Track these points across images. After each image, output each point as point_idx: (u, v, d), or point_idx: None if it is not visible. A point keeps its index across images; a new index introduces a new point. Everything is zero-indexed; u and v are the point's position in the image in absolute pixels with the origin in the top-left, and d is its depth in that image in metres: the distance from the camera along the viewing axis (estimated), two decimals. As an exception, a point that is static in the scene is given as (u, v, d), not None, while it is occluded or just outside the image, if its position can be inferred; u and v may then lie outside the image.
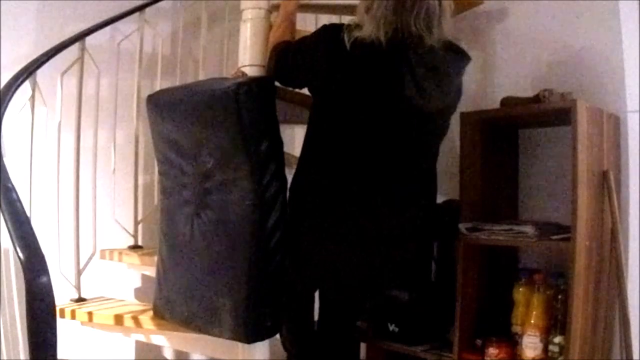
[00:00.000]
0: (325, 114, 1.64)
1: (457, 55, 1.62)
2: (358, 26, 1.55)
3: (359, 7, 1.59)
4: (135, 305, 2.37)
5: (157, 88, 2.50)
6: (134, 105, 2.51)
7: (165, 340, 2.21)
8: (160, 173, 2.01)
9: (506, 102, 1.92)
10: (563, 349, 1.68)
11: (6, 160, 1.61)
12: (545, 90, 1.81)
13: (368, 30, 1.52)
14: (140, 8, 2.49)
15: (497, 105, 1.95)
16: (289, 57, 1.72)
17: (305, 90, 1.81)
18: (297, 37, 1.88)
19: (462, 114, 1.95)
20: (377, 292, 1.76)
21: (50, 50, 2.15)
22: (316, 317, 1.83)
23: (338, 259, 1.66)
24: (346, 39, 1.53)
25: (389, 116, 1.56)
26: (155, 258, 2.05)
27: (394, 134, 1.58)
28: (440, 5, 1.54)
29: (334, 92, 1.60)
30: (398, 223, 1.67)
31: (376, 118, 1.56)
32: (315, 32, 1.69)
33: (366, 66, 1.54)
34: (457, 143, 1.96)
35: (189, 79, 2.77)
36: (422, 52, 1.53)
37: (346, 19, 2.52)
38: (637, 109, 1.89)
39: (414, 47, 1.53)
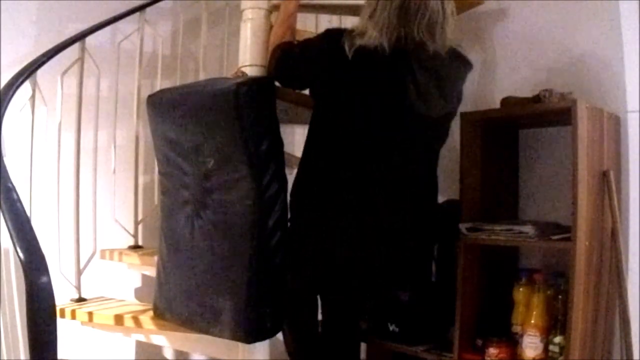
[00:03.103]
0: (326, 119, 1.65)
1: (460, 63, 1.64)
2: (360, 33, 1.55)
3: (362, 12, 1.60)
4: (135, 305, 2.37)
5: (157, 88, 2.50)
6: (134, 105, 2.51)
7: (165, 340, 2.21)
8: (160, 173, 2.01)
9: (506, 102, 1.92)
10: (563, 349, 1.68)
11: (6, 160, 1.61)
12: (545, 90, 1.81)
13: (372, 37, 1.53)
14: (140, 8, 2.49)
15: (497, 105, 1.95)
16: (290, 58, 1.72)
17: (306, 90, 1.81)
18: (298, 37, 1.88)
19: (462, 114, 1.95)
20: (378, 291, 1.76)
21: (50, 50, 2.15)
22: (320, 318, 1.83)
23: (338, 258, 1.66)
24: (347, 47, 1.53)
25: (390, 122, 1.57)
26: (155, 258, 2.05)
27: (395, 139, 1.59)
28: (443, 11, 1.54)
29: (336, 99, 1.62)
30: (398, 223, 1.68)
31: (377, 124, 1.58)
32: (318, 37, 1.70)
33: (368, 74, 1.55)
34: (457, 143, 1.96)
35: (189, 79, 2.77)
36: (425, 58, 1.54)
37: (346, 20, 2.53)
38: (637, 109, 1.89)
39: (416, 53, 1.53)
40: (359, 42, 1.53)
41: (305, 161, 1.71)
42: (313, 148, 1.69)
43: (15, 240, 1.40)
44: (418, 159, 1.65)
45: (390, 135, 1.58)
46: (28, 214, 1.74)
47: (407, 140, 1.60)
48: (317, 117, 1.69)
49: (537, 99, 1.82)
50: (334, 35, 1.60)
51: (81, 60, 2.30)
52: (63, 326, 1.81)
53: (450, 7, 1.57)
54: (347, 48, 1.53)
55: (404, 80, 1.53)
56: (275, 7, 1.89)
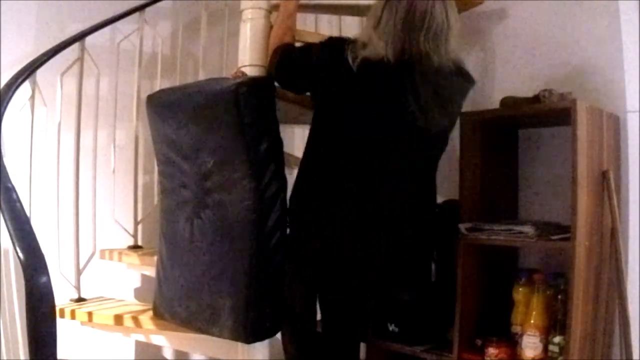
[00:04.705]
0: (327, 122, 1.67)
1: (462, 79, 1.64)
2: (364, 43, 1.55)
3: (366, 22, 1.61)
4: (135, 305, 2.37)
5: (157, 88, 2.50)
6: (134, 105, 2.51)
7: (165, 340, 2.21)
8: (160, 173, 2.01)
9: (506, 102, 1.92)
10: (563, 349, 1.68)
11: (6, 160, 1.61)
12: (545, 90, 1.81)
13: (377, 48, 1.53)
14: (140, 8, 2.49)
15: (497, 105, 1.95)
16: (291, 62, 1.73)
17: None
18: (298, 37, 1.88)
19: (462, 114, 1.94)
20: (378, 290, 1.76)
21: (50, 50, 2.16)
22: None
23: (338, 257, 1.66)
24: (350, 58, 1.54)
25: (391, 133, 1.59)
26: (155, 258, 2.05)
27: (395, 148, 1.60)
28: (448, 20, 1.54)
29: (338, 107, 1.63)
30: (397, 210, 1.68)
31: (378, 133, 1.59)
32: (320, 44, 1.70)
33: (372, 86, 1.56)
34: (457, 143, 1.96)
35: (189, 79, 2.77)
36: (429, 72, 1.54)
37: (346, 20, 2.54)
38: (637, 109, 1.89)
39: (420, 65, 1.53)
40: (363, 53, 1.54)
41: (307, 152, 1.72)
42: (315, 140, 1.71)
43: (15, 240, 1.40)
44: (417, 167, 1.68)
45: (391, 144, 1.60)
46: (28, 214, 1.74)
47: (408, 150, 1.62)
48: (318, 119, 1.70)
49: (536, 99, 1.82)
50: (337, 45, 1.60)
51: (81, 60, 2.30)
52: (63, 326, 1.82)
53: (454, 15, 1.57)
54: (350, 60, 1.54)
55: (406, 94, 1.54)
56: (275, 7, 1.89)
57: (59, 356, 1.36)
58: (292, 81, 1.77)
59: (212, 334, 1.80)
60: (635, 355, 1.74)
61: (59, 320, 1.56)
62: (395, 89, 1.55)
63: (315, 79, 1.67)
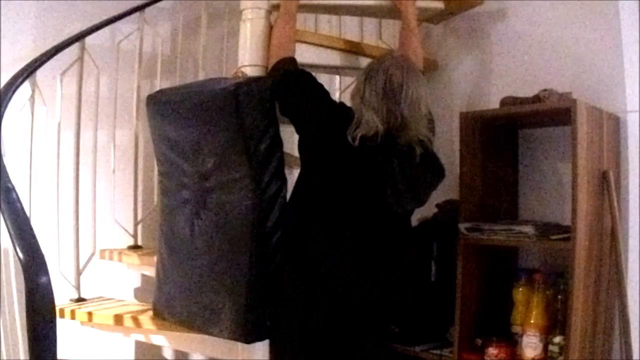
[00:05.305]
0: (310, 183, 1.75)
1: (436, 177, 1.73)
2: (358, 121, 1.65)
3: (353, 98, 1.73)
4: (135, 305, 2.37)
5: (157, 88, 2.50)
6: (134, 105, 2.51)
7: (165, 340, 2.21)
8: (160, 173, 2.01)
9: (506, 102, 1.92)
10: (563, 349, 1.68)
11: (6, 160, 1.61)
12: (545, 90, 1.81)
13: (369, 122, 1.63)
14: (140, 8, 2.48)
15: (497, 105, 1.95)
16: (303, 99, 1.76)
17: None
18: (297, 37, 1.88)
19: (462, 114, 1.95)
20: (377, 291, 1.76)
21: (50, 50, 2.15)
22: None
23: (338, 258, 1.67)
24: (350, 138, 1.64)
25: (365, 204, 1.69)
26: (155, 258, 2.05)
27: (366, 215, 1.70)
28: (419, 92, 1.66)
29: (331, 172, 1.71)
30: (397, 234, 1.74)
31: (354, 202, 1.70)
32: (333, 109, 1.76)
33: (364, 168, 1.67)
34: (457, 143, 1.96)
35: (189, 79, 2.77)
36: (408, 166, 1.64)
37: (346, 19, 2.53)
38: (637, 109, 1.89)
39: (401, 138, 1.64)
40: (359, 132, 1.64)
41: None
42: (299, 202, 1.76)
43: (15, 240, 1.40)
44: (389, 228, 1.76)
45: (364, 210, 1.71)
46: (28, 214, 1.74)
47: (379, 218, 1.72)
48: (304, 179, 1.77)
49: (536, 99, 1.83)
50: (346, 118, 1.68)
51: (81, 60, 2.30)
52: (63, 326, 1.81)
53: (425, 89, 1.69)
54: (350, 139, 1.64)
55: (386, 182, 1.65)
56: (275, 7, 1.89)
57: (59, 356, 1.36)
58: (289, 110, 1.78)
59: (212, 334, 1.80)
60: (635, 355, 1.74)
61: (59, 320, 1.56)
62: (380, 174, 1.65)
63: (315, 136, 1.74)
